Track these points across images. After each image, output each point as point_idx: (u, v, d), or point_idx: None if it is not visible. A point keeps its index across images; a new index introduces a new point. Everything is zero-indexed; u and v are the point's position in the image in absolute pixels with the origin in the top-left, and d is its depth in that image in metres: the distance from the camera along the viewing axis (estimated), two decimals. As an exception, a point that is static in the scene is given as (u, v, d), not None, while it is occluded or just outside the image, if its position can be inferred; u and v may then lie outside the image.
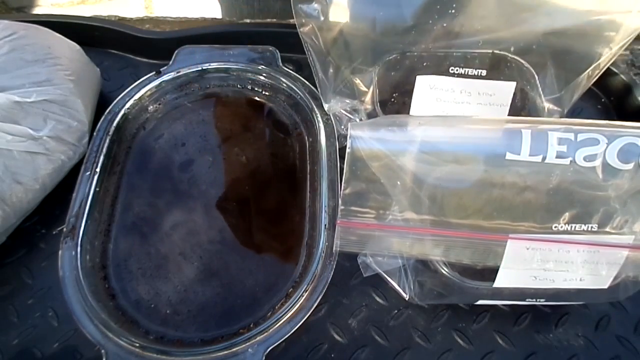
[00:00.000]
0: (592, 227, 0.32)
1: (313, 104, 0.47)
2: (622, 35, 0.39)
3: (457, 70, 0.44)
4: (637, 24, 0.38)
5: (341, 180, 0.33)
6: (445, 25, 0.42)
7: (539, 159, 0.30)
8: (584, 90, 0.44)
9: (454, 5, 0.41)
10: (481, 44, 0.43)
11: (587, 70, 0.42)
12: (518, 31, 0.42)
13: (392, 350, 0.38)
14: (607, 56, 0.40)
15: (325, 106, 0.45)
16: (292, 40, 0.41)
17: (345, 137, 0.42)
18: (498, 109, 0.44)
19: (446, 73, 0.44)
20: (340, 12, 0.41)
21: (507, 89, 0.43)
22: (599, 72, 0.42)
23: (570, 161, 0.30)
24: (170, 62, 0.50)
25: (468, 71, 0.44)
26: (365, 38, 0.43)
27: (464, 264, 0.35)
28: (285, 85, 0.50)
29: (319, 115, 0.46)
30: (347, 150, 0.31)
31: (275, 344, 0.35)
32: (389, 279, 0.38)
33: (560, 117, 0.45)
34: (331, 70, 0.43)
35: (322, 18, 0.40)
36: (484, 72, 0.44)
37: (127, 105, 0.48)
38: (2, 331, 0.38)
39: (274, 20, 0.60)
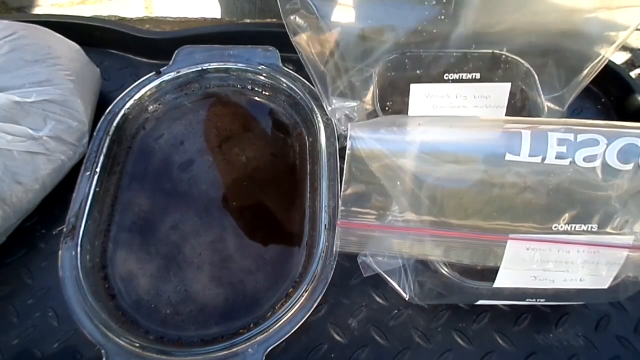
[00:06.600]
0: (592, 228, 0.32)
1: (313, 104, 0.47)
2: (621, 31, 0.39)
3: (451, 75, 0.44)
4: (634, 20, 0.38)
5: (341, 181, 0.33)
6: (435, 30, 0.42)
7: (538, 159, 0.30)
8: (583, 87, 0.44)
9: (443, 11, 0.41)
10: (474, 47, 0.43)
11: (587, 68, 0.42)
12: (513, 31, 0.42)
13: (392, 350, 0.38)
14: (606, 53, 0.41)
15: (328, 108, 0.45)
16: (292, 40, 0.42)
17: (345, 137, 0.42)
18: (494, 111, 0.44)
19: (440, 79, 0.44)
20: (330, 18, 0.41)
21: (502, 90, 0.43)
22: (598, 69, 0.42)
23: (570, 162, 0.30)
24: (170, 62, 0.50)
25: (462, 75, 0.44)
26: (358, 41, 0.43)
27: (464, 264, 0.35)
28: (285, 85, 0.50)
29: (319, 115, 0.47)
30: (347, 150, 0.31)
31: (275, 344, 0.35)
32: (389, 279, 0.38)
33: (561, 115, 0.45)
34: (328, 75, 0.43)
35: (313, 29, 0.40)
36: (477, 76, 0.44)
37: (127, 105, 0.48)
38: (2, 331, 0.38)
39: (274, 20, 0.60)
